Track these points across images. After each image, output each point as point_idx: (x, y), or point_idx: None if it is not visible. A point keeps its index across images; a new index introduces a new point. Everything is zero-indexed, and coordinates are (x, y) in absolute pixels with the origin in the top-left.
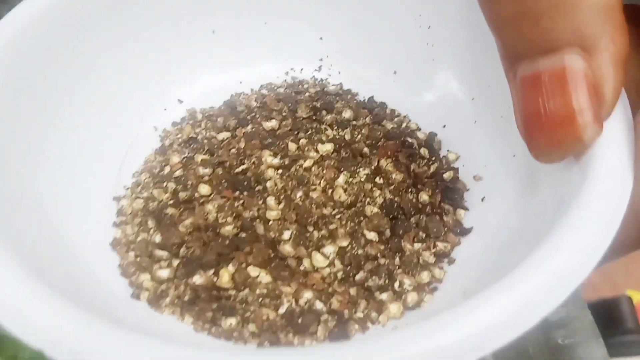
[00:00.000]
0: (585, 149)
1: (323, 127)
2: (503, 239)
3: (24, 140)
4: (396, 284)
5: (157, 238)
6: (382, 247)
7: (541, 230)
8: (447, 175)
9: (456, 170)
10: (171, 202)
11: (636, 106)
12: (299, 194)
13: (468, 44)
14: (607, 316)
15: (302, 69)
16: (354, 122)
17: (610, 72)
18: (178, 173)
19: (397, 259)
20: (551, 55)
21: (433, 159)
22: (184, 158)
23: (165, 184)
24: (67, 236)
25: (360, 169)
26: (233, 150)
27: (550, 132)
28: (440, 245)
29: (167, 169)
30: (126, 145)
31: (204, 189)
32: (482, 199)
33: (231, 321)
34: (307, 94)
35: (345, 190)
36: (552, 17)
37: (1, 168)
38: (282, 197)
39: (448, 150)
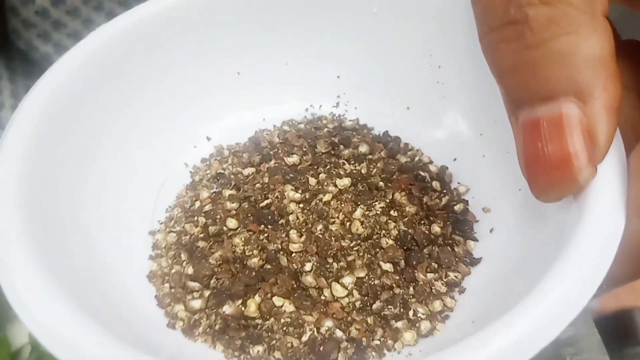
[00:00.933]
0: (581, 189)
1: (341, 161)
2: (508, 269)
3: (73, 175)
4: (410, 313)
5: (190, 270)
6: (397, 278)
7: (543, 263)
8: (458, 207)
9: (466, 202)
10: (202, 235)
11: (632, 144)
12: (319, 227)
13: (476, 82)
14: (620, 329)
15: (320, 106)
16: (370, 156)
17: (603, 118)
18: (207, 207)
19: (411, 289)
20: (549, 103)
21: (444, 191)
22: (212, 193)
23: (196, 218)
24: (109, 267)
25: (376, 203)
26: (258, 185)
27: (548, 174)
28: (452, 275)
29: (197, 204)
30: (160, 181)
31: (232, 223)
32: (491, 230)
33: (258, 349)
34: (326, 129)
35: (362, 223)
36: (548, 67)
37: (53, 200)
38: (303, 230)
39: (459, 183)
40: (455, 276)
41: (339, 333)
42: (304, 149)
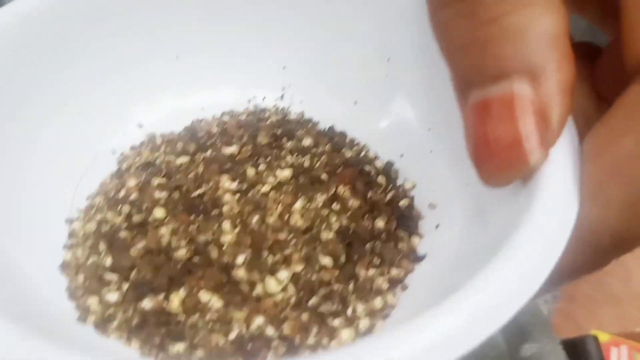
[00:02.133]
0: (532, 172)
1: (282, 153)
2: (453, 265)
3: None
4: (349, 310)
5: (108, 261)
6: (337, 273)
7: (487, 254)
8: (403, 202)
9: (412, 198)
10: (125, 225)
11: (584, 133)
12: (255, 218)
13: (425, 77)
14: (576, 355)
15: (264, 97)
16: (314, 150)
17: (556, 98)
18: (134, 197)
19: (351, 285)
20: (500, 82)
21: (390, 187)
22: (140, 182)
23: (119, 207)
24: (15, 257)
25: (318, 195)
26: (191, 175)
27: (498, 157)
28: (395, 271)
29: (122, 192)
30: (82, 167)
31: (159, 213)
32: (437, 226)
33: (179, 347)
34: (269, 121)
35: (301, 216)
36: (500, 44)
37: None
38: (238, 221)
39: (405, 179)
40: (398, 273)
41: (270, 330)
42: (244, 140)
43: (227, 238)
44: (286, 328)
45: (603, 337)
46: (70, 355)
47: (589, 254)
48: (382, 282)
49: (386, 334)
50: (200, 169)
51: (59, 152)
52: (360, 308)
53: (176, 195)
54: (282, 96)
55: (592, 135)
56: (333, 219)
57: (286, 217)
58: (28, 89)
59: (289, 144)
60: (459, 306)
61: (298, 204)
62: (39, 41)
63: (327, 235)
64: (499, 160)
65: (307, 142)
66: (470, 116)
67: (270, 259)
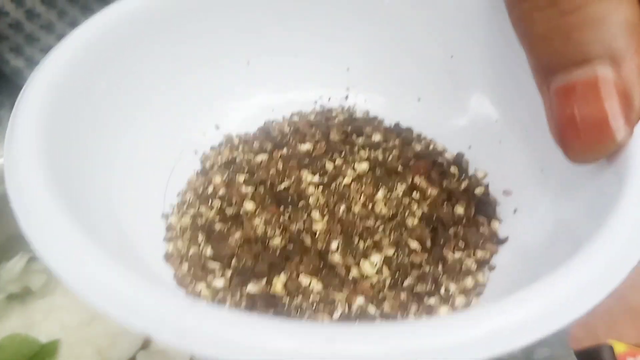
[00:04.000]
0: (618, 149)
1: (356, 148)
2: (538, 247)
3: (83, 153)
4: (442, 290)
5: (208, 251)
6: (426, 256)
7: (574, 239)
8: (478, 190)
9: (486, 186)
10: (218, 217)
11: None
12: (342, 207)
13: (488, 72)
14: None
15: (329, 98)
16: (385, 144)
17: (637, 81)
18: (222, 192)
19: (440, 267)
20: (584, 67)
21: (463, 176)
22: (226, 178)
23: (210, 202)
24: (132, 246)
25: (397, 185)
26: (272, 171)
27: (585, 136)
28: (480, 253)
29: (210, 189)
30: (169, 167)
31: (249, 206)
32: (514, 211)
33: None
34: (337, 120)
35: (385, 204)
36: (583, 32)
37: (82, 184)
38: (325, 211)
39: (475, 169)
40: (484, 254)
41: (371, 309)
42: (317, 138)
43: (319, 226)
44: (386, 307)
45: (620, 347)
46: (241, 318)
47: None
48: (470, 263)
49: (489, 305)
50: (280, 165)
51: (146, 153)
52: (453, 287)
53: (262, 189)
54: (347, 96)
55: None
56: (414, 206)
57: (370, 206)
58: (114, 96)
59: (360, 140)
60: (559, 281)
61: (380, 194)
62: (124, 48)
63: (412, 221)
64: (587, 138)
65: (376, 137)
66: (554, 101)
67: (361, 245)
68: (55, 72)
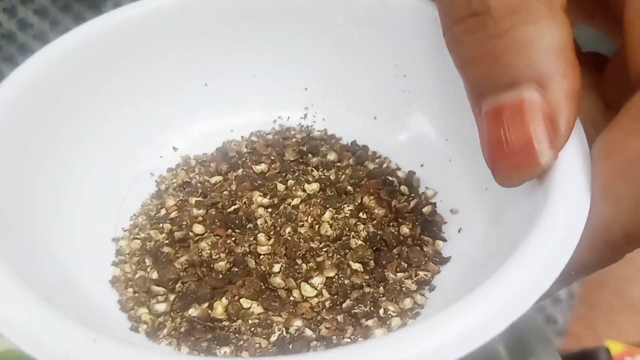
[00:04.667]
0: (543, 172)
1: (309, 168)
2: (477, 265)
3: (30, 178)
4: (381, 311)
5: (154, 275)
6: (367, 277)
7: (508, 253)
8: (426, 209)
9: (434, 204)
10: (167, 241)
11: (593, 139)
12: (288, 229)
13: (440, 90)
14: None
15: (289, 117)
16: (338, 164)
17: (563, 104)
18: (173, 214)
19: (381, 288)
20: (511, 90)
21: (412, 195)
22: (179, 201)
23: (161, 225)
24: (71, 272)
25: (345, 206)
26: (225, 192)
27: (511, 159)
28: (422, 274)
29: (162, 211)
30: (124, 189)
31: (198, 229)
32: (459, 230)
33: (225, 350)
34: (294, 139)
35: (331, 225)
36: (510, 55)
37: (9, 201)
38: (272, 233)
39: (426, 187)
40: (425, 275)
41: (308, 332)
42: (272, 157)
43: (263, 249)
44: (323, 329)
45: (617, 347)
46: (141, 354)
47: (601, 250)
48: (410, 284)
49: (418, 325)
50: (234, 186)
51: (101, 175)
52: (392, 308)
53: (213, 211)
54: (305, 115)
55: (602, 137)
56: (360, 227)
57: (317, 227)
58: (71, 115)
59: (314, 160)
60: (481, 299)
61: (327, 215)
62: (82, 73)
63: (355, 242)
64: (512, 161)
65: (331, 156)
66: (484, 123)
67: (304, 266)
68: (5, 100)
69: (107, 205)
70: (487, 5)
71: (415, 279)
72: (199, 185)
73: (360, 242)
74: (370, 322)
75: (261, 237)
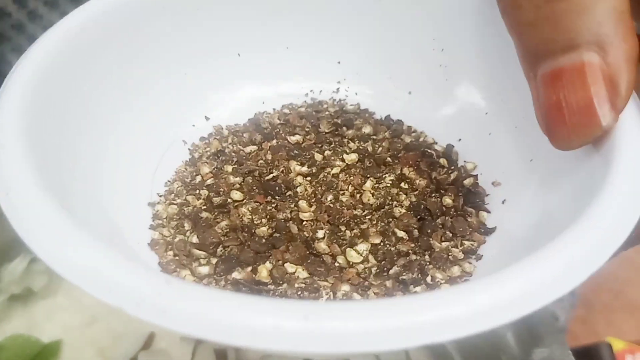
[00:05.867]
0: (604, 134)
1: (345, 140)
2: (526, 235)
3: (71, 139)
4: (428, 278)
5: (194, 239)
6: (413, 245)
7: (561, 224)
8: (467, 181)
9: (475, 177)
10: (205, 206)
11: None
12: (330, 197)
13: (479, 64)
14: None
15: (320, 91)
16: (374, 136)
17: (623, 67)
18: (209, 182)
19: (427, 256)
20: (571, 52)
21: (452, 167)
22: (214, 168)
23: (198, 191)
24: (118, 233)
25: (386, 176)
26: (261, 161)
27: (571, 121)
28: (467, 243)
29: (198, 178)
30: (158, 156)
31: (237, 195)
32: (503, 202)
33: None
34: (327, 112)
35: (373, 194)
36: (570, 18)
37: (57, 158)
38: (313, 200)
39: (465, 161)
40: (471, 244)
41: (356, 297)
42: (307, 129)
43: (306, 215)
44: (372, 294)
45: (618, 345)
46: (214, 293)
47: None
48: (457, 253)
49: (481, 279)
50: (269, 156)
51: (135, 141)
52: (440, 276)
53: (250, 179)
54: (337, 89)
55: None
56: (402, 196)
57: (358, 195)
58: (107, 79)
59: (350, 132)
60: (551, 256)
61: (368, 184)
62: (113, 38)
63: (399, 210)
64: (572, 123)
65: (366, 129)
66: (541, 86)
67: (348, 233)
68: (42, 61)
69: (141, 171)
70: None
71: (461, 248)
72: (234, 154)
73: (403, 210)
74: (418, 289)
75: (303, 203)
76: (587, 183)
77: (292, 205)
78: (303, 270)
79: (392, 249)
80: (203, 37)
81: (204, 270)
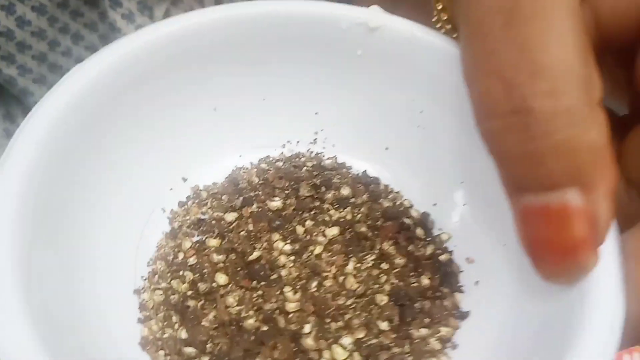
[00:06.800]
0: (586, 275)
1: (325, 206)
2: (498, 324)
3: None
4: None
5: (183, 334)
6: (394, 336)
7: (535, 323)
8: (443, 257)
9: (451, 252)
10: (190, 293)
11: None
12: (314, 283)
13: (458, 131)
14: None
15: (298, 142)
16: (353, 200)
17: (604, 206)
18: (192, 260)
19: (406, 346)
20: (554, 192)
21: (428, 239)
22: (196, 243)
23: (182, 273)
24: (98, 337)
25: (367, 256)
26: (243, 233)
27: (556, 261)
28: (443, 330)
29: (180, 256)
30: (139, 230)
31: (222, 279)
32: (476, 283)
33: None
34: (305, 168)
35: (355, 277)
36: (553, 159)
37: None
38: (298, 287)
39: (440, 229)
40: (447, 331)
41: None
42: (287, 192)
43: (292, 306)
44: None
45: None
46: None
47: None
48: (434, 342)
49: None
50: (250, 226)
51: (115, 219)
52: None
53: (233, 257)
54: (315, 140)
55: (634, 235)
56: (383, 279)
57: (341, 279)
58: (87, 163)
59: (329, 195)
60: None
61: (350, 266)
62: (91, 117)
63: (381, 298)
64: (558, 264)
65: (345, 191)
66: (523, 218)
67: (333, 325)
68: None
69: (123, 251)
70: (530, 106)
71: (437, 336)
72: (214, 223)
73: (385, 297)
74: None
75: (288, 292)
76: (559, 298)
77: (278, 293)
78: None
79: (375, 341)
80: (177, 93)
81: None
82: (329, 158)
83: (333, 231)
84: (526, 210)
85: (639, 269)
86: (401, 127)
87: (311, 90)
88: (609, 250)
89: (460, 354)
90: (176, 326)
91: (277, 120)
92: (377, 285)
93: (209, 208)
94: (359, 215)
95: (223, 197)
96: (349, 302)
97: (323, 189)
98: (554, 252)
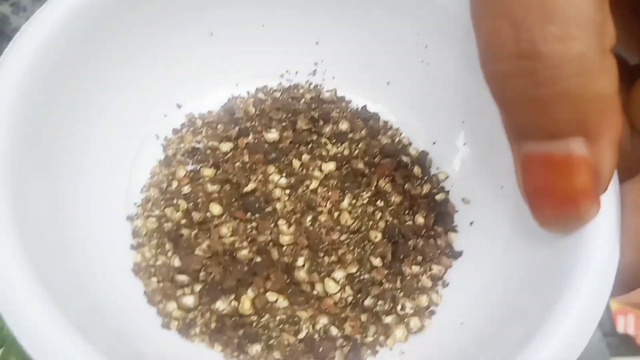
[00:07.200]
0: (585, 224)
1: (322, 140)
2: (490, 267)
3: (46, 156)
4: (399, 307)
5: (176, 262)
6: (386, 272)
7: (527, 268)
8: (439, 197)
9: (447, 192)
10: (184, 221)
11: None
12: (309, 218)
13: (463, 69)
14: None
15: (297, 72)
16: (351, 135)
17: (608, 156)
18: (186, 189)
19: (398, 282)
20: (557, 141)
21: (425, 178)
22: (190, 172)
23: (175, 201)
24: (89, 263)
25: (363, 193)
26: (238, 164)
27: (555, 209)
28: (435, 268)
29: (174, 184)
30: (131, 156)
31: (216, 209)
32: (471, 224)
33: (257, 348)
34: (303, 100)
35: (350, 213)
36: (559, 106)
37: (27, 187)
38: (292, 220)
39: (437, 168)
40: (439, 270)
41: (334, 330)
42: (284, 124)
43: (285, 239)
44: (348, 327)
45: (612, 305)
46: None
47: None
48: (425, 280)
49: None
50: (246, 157)
51: (109, 143)
52: (409, 305)
53: (228, 188)
54: (314, 71)
55: (633, 186)
56: (378, 215)
57: (336, 215)
58: (80, 86)
59: (327, 129)
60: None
61: (345, 202)
62: (84, 38)
63: (375, 234)
64: (556, 212)
65: (343, 126)
66: (524, 164)
67: (326, 260)
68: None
69: (117, 177)
70: (537, 50)
71: (429, 273)
72: (209, 152)
73: (379, 234)
74: (389, 320)
75: (282, 224)
76: (553, 244)
77: (272, 226)
78: (284, 299)
79: (367, 276)
80: (173, 16)
81: (189, 301)
82: (328, 91)
83: (329, 166)
84: (528, 158)
85: (637, 219)
86: (404, 61)
87: (313, 18)
88: (608, 199)
89: (451, 292)
90: (169, 254)
91: (276, 48)
92: (371, 222)
93: (204, 137)
94: (357, 151)
95: (218, 126)
96: (342, 238)
97: (321, 122)
98: (554, 201)
